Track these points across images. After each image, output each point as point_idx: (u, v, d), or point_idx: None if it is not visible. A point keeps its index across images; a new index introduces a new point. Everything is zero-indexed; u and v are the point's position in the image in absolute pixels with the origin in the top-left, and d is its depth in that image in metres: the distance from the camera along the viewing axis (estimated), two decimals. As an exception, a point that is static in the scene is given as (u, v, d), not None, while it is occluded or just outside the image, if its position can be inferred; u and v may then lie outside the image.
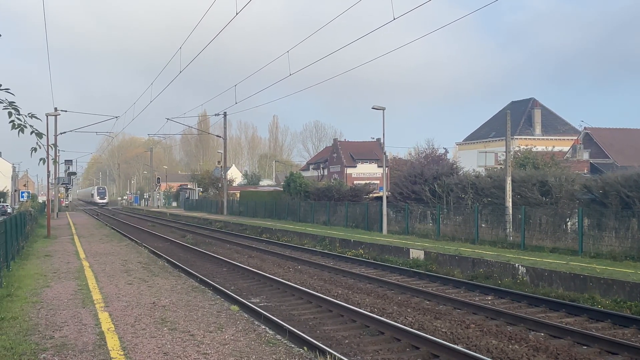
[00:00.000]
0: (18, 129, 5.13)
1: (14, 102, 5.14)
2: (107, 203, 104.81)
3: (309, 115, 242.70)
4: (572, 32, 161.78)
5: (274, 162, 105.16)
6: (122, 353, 7.21)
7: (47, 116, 34.03)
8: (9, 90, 5.11)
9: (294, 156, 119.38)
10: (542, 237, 19.10)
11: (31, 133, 5.30)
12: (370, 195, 37.12)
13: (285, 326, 9.64)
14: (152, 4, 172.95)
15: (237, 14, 18.47)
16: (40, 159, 6.10)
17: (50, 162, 6.59)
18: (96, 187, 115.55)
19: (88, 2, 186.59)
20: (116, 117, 46.41)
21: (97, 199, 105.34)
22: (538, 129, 54.99)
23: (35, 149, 5.48)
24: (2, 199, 76.76)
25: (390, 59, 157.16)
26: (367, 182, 46.62)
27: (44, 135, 5.50)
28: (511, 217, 20.60)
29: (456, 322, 10.53)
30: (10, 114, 5.09)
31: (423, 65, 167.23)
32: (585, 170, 38.64)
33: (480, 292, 13.72)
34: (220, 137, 44.56)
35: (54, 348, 7.45)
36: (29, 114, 5.30)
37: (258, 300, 12.80)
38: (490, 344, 9.02)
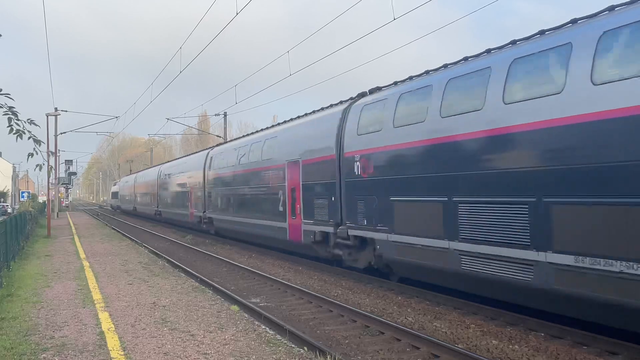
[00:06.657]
0: (17, 135, 5.13)
1: (14, 107, 5.15)
2: None
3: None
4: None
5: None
6: (122, 353, 7.21)
7: (47, 116, 34.07)
8: (9, 95, 5.11)
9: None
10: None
11: (28, 139, 5.30)
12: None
13: (285, 326, 9.64)
14: (153, 4, 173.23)
15: (237, 13, 18.49)
16: (37, 165, 6.11)
17: (46, 168, 6.51)
18: None
19: (89, 3, 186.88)
20: (116, 117, 46.51)
21: None
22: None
23: (32, 155, 5.48)
24: (2, 199, 76.83)
25: (390, 58, 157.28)
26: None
27: (42, 143, 5.50)
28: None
29: (456, 322, 10.53)
30: (9, 120, 5.10)
31: (421, 64, 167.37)
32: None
33: (480, 292, 13.68)
34: (220, 137, 44.52)
35: (54, 348, 7.46)
36: (28, 119, 5.30)
37: (258, 300, 12.80)
38: (491, 344, 9.02)
